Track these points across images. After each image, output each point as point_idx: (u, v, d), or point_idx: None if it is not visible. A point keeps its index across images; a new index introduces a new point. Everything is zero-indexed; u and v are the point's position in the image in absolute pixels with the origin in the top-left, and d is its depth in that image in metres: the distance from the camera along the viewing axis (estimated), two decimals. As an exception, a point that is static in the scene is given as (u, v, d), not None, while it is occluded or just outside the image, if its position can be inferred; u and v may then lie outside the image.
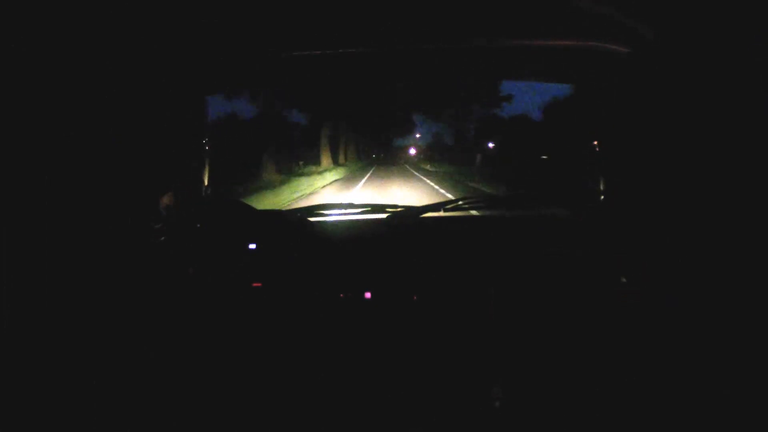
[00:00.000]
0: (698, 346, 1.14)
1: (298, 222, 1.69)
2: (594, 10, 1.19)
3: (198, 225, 1.60)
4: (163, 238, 1.44)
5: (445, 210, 1.70)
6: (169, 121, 1.47)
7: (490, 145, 26.59)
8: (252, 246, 1.55)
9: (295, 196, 13.13)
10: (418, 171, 27.85)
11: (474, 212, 2.01)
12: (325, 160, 25.48)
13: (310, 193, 14.00)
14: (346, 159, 33.44)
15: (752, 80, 1.00)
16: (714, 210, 1.09)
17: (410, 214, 1.68)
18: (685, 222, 1.18)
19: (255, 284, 1.49)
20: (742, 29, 1.00)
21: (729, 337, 1.08)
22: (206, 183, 1.70)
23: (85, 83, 1.17)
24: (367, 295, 1.45)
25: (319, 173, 21.34)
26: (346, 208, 1.76)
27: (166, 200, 1.45)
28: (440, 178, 20.15)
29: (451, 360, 1.35)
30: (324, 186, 17.03)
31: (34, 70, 1.05)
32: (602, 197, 1.55)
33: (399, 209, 1.69)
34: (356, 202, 1.80)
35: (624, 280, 1.41)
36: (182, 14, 1.25)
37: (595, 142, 1.60)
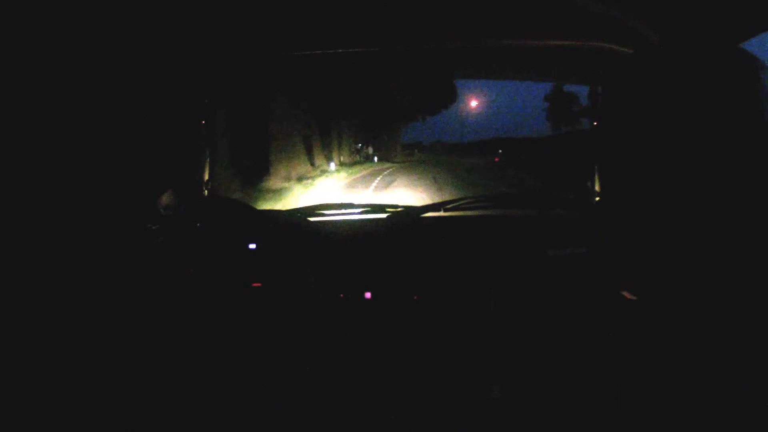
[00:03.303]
0: (698, 346, 1.14)
1: (298, 222, 1.69)
2: (597, 10, 1.19)
3: (198, 225, 1.60)
4: (161, 239, 1.44)
5: (445, 210, 1.70)
6: (168, 121, 1.47)
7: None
8: (252, 246, 1.55)
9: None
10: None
11: (474, 212, 2.01)
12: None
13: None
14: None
15: (754, 85, 1.00)
16: (713, 212, 1.09)
17: (410, 214, 1.68)
18: (684, 223, 1.18)
19: (255, 284, 1.49)
20: (745, 33, 1.00)
21: (729, 336, 1.07)
22: (206, 183, 1.70)
23: (84, 84, 1.17)
24: (368, 295, 1.45)
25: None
26: (346, 208, 1.76)
27: (165, 200, 1.45)
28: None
29: (451, 360, 1.35)
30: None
31: (37, 71, 1.05)
32: (599, 197, 1.55)
33: (399, 209, 1.69)
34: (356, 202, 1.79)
35: (622, 280, 1.40)
36: (183, 14, 1.24)
37: (592, 141, 1.60)
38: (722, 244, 1.07)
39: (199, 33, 1.36)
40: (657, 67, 1.22)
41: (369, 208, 1.73)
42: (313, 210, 1.75)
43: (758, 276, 1.01)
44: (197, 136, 1.66)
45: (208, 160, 1.70)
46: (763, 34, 1.03)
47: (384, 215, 1.68)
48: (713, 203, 1.08)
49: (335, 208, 1.76)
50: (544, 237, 1.53)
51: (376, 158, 24.89)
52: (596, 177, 1.61)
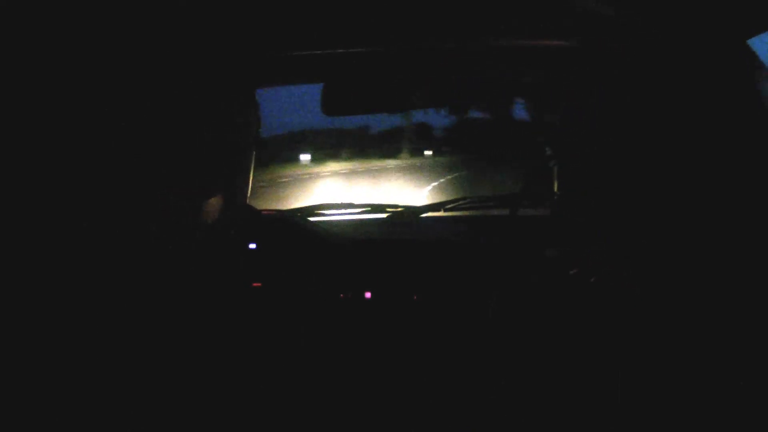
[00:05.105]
0: (696, 344, 1.14)
1: (298, 222, 1.69)
2: (588, 6, 1.17)
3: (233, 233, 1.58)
4: (164, 239, 1.44)
5: (445, 210, 1.71)
6: (211, 125, 1.45)
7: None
8: (252, 246, 1.55)
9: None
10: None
11: (474, 212, 2.02)
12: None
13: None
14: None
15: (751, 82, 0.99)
16: (690, 203, 1.08)
17: (410, 214, 1.68)
18: (661, 218, 1.17)
19: (255, 284, 1.49)
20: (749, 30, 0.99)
21: (727, 334, 1.08)
22: (249, 192, 1.69)
23: (124, 84, 1.15)
24: (367, 295, 1.45)
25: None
26: (346, 208, 1.77)
27: (211, 207, 1.44)
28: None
29: (451, 360, 1.36)
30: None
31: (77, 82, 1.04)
32: (559, 192, 1.54)
33: (399, 209, 1.70)
34: (356, 201, 1.80)
35: (619, 277, 1.41)
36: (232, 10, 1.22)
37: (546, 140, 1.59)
38: (707, 235, 1.06)
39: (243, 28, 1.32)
40: (609, 56, 1.19)
41: (369, 208, 1.73)
42: (313, 210, 1.76)
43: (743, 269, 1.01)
44: (242, 142, 1.63)
45: (252, 168, 1.67)
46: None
47: (384, 215, 1.68)
48: (690, 193, 1.07)
49: (335, 208, 1.77)
50: (544, 236, 1.53)
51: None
52: (556, 173, 1.61)
